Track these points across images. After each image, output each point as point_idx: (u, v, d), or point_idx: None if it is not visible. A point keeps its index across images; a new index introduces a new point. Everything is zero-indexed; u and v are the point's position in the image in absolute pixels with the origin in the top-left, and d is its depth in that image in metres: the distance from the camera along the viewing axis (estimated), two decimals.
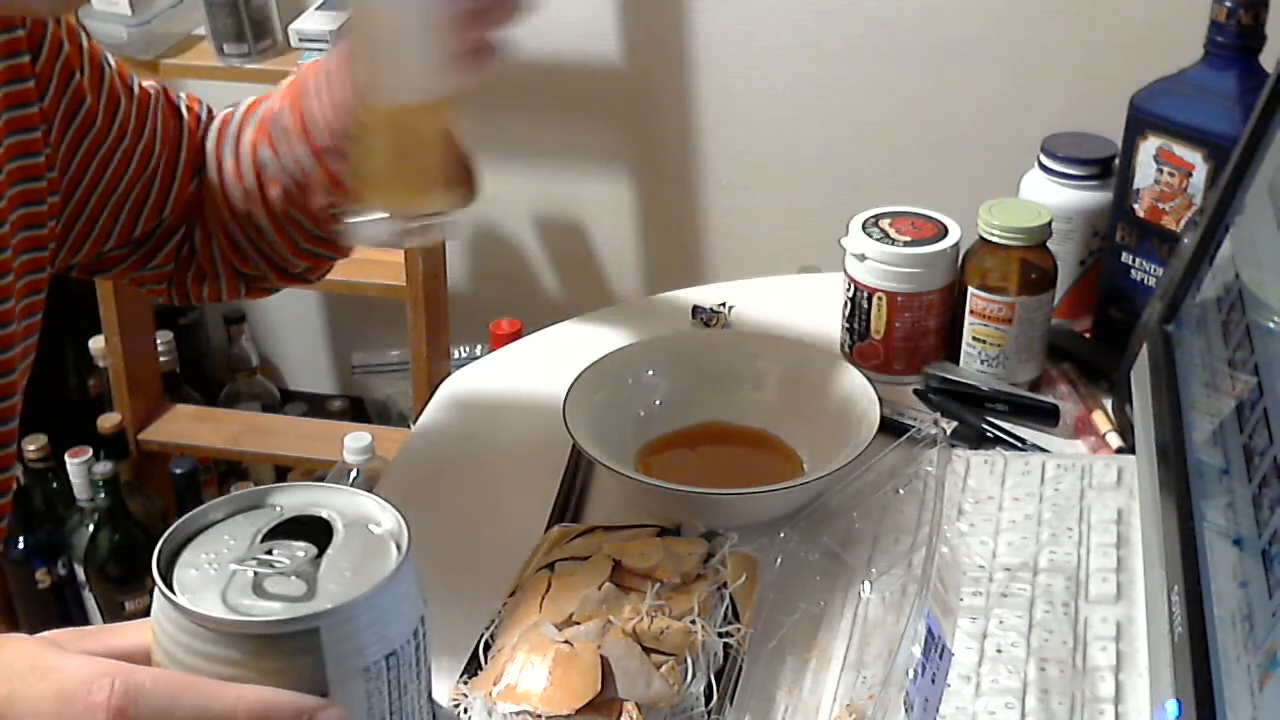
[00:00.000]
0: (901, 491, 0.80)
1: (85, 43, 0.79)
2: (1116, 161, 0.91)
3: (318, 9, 1.67)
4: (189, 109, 0.88)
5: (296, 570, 0.42)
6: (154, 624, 0.42)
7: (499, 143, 1.91)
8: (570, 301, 2.02)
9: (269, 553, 0.43)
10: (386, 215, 0.65)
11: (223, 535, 0.44)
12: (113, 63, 0.82)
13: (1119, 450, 0.86)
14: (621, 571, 0.68)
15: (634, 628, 0.64)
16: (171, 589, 0.41)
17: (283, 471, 2.02)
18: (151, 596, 0.42)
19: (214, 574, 0.42)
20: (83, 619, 1.80)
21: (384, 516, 0.45)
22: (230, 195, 0.84)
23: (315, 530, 0.44)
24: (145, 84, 0.85)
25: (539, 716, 0.60)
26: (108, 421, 1.71)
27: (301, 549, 0.43)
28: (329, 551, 0.43)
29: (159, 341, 1.89)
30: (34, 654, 0.42)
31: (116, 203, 0.82)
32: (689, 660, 0.64)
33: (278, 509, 0.45)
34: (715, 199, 1.88)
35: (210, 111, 0.91)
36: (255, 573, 0.42)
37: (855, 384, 0.86)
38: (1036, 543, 0.75)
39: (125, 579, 1.65)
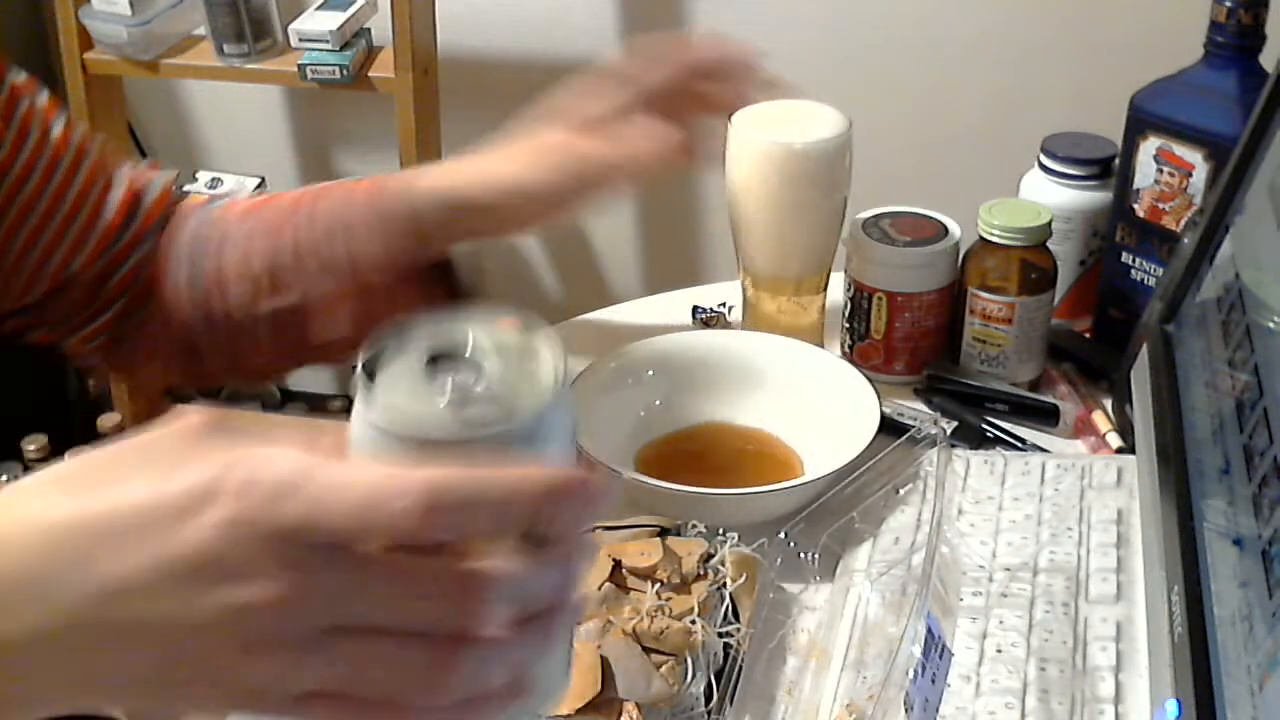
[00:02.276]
0: (901, 491, 0.80)
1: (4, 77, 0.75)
2: (1116, 161, 0.91)
3: (318, 9, 1.67)
4: (132, 185, 0.82)
5: (487, 393, 0.41)
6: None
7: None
8: (570, 301, 2.02)
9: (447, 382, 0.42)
10: None
11: (399, 373, 0.43)
12: (39, 104, 0.77)
13: (1119, 450, 0.86)
14: (621, 571, 0.68)
15: (634, 628, 0.64)
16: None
17: None
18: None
19: (419, 402, 0.41)
20: None
21: (512, 334, 0.44)
22: (223, 290, 0.79)
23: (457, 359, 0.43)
24: (79, 137, 0.79)
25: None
26: (108, 421, 1.71)
27: (472, 375, 0.42)
28: (491, 374, 0.42)
29: None
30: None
31: (18, 252, 0.76)
32: (689, 660, 0.64)
33: (421, 346, 0.43)
34: (715, 199, 1.88)
35: (174, 192, 0.85)
36: (453, 396, 0.41)
37: (855, 384, 0.86)
38: (1036, 543, 0.75)
39: None
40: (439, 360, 0.42)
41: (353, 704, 0.39)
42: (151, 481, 0.38)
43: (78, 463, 0.40)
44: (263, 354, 0.81)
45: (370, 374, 0.42)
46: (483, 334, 0.43)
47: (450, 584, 0.38)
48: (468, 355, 0.42)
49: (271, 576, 0.37)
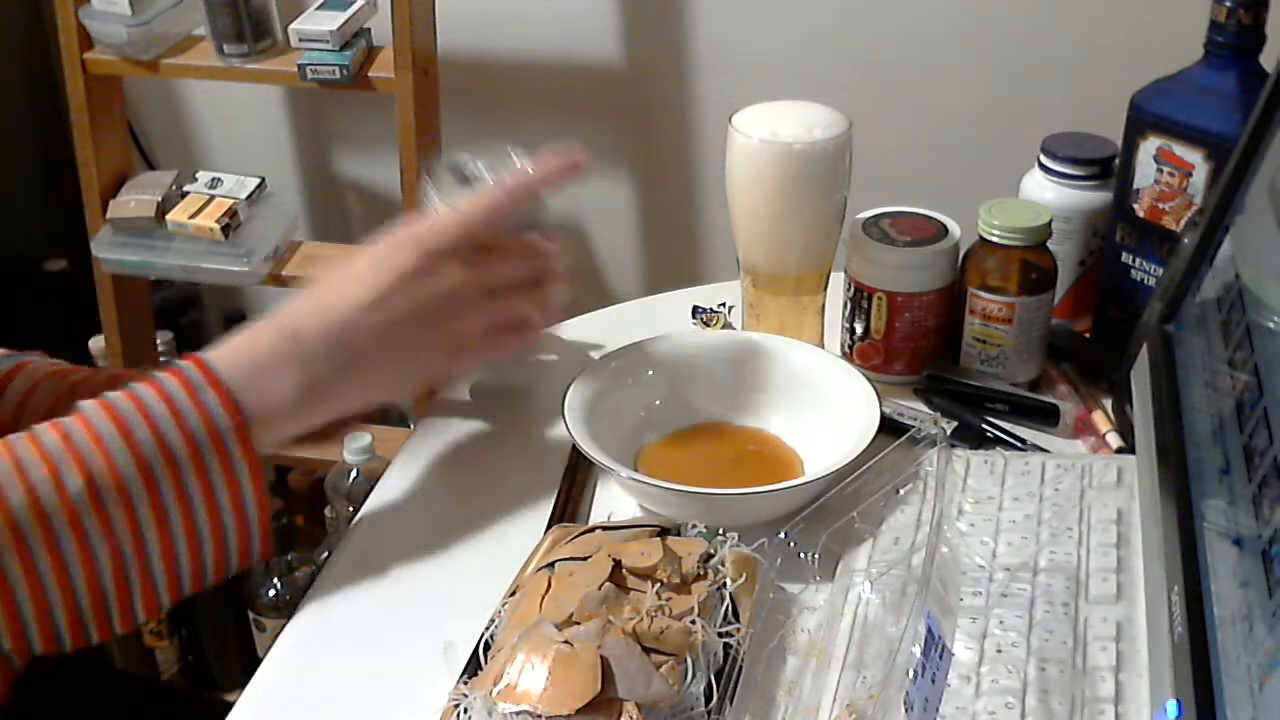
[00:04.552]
0: (901, 491, 0.80)
1: None
2: (1116, 161, 0.91)
3: (318, 9, 1.67)
4: None
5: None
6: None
7: (499, 143, 1.91)
8: (570, 301, 2.02)
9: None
10: None
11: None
12: None
13: (1119, 450, 0.86)
14: (621, 571, 0.68)
15: (634, 628, 0.64)
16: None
17: (283, 471, 2.02)
18: None
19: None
20: None
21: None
22: None
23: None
24: None
25: (539, 716, 0.60)
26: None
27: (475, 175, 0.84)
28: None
29: (159, 341, 1.89)
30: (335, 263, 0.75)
31: None
32: (689, 660, 0.64)
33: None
34: (715, 199, 1.88)
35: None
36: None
37: (855, 384, 0.86)
38: (1036, 543, 0.75)
39: None
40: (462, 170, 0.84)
41: (504, 328, 0.78)
42: (366, 258, 0.74)
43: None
44: None
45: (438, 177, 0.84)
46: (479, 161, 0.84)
47: (524, 251, 0.79)
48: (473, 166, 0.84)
49: (452, 271, 0.74)
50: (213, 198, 1.71)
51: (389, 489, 0.89)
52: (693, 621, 0.65)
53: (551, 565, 0.70)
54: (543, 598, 0.67)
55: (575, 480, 0.86)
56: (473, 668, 0.66)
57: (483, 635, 0.68)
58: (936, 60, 1.73)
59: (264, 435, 0.69)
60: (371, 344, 0.72)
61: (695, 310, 1.05)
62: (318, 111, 1.99)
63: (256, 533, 0.70)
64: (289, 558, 1.64)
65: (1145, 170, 0.88)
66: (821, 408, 0.87)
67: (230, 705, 0.71)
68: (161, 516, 0.66)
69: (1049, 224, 0.89)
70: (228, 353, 0.70)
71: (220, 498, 0.67)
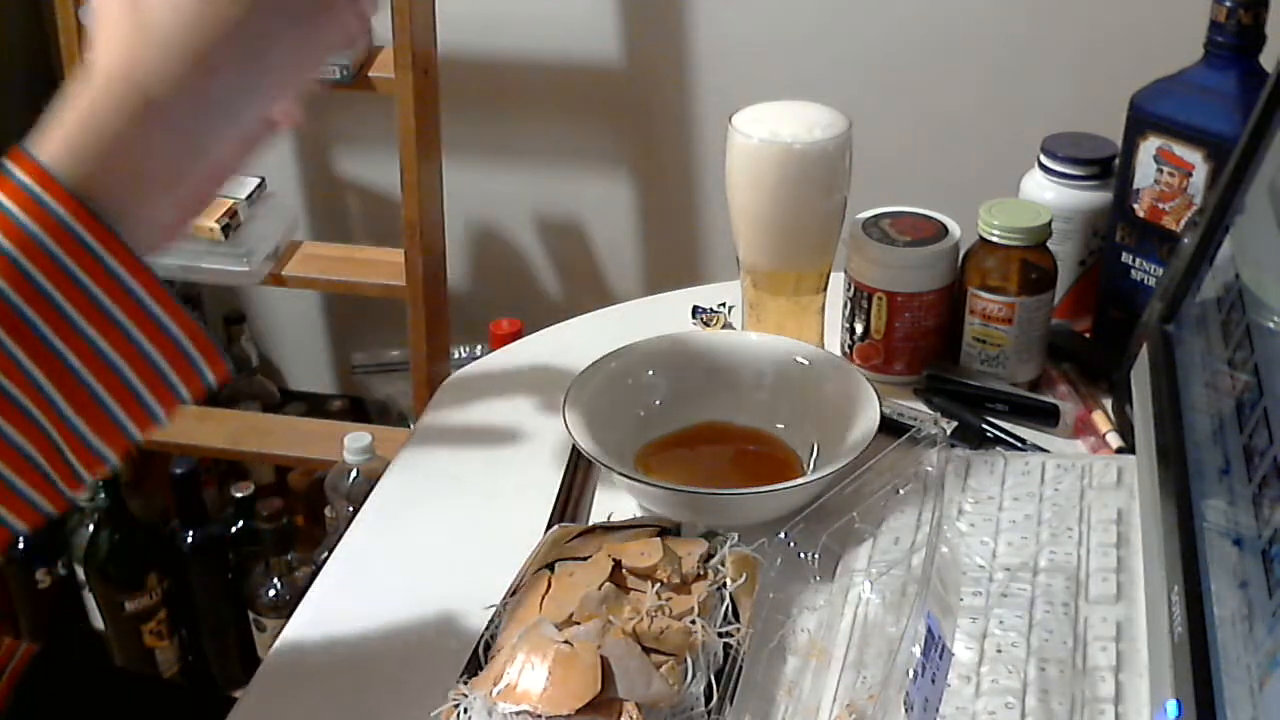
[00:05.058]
0: (901, 491, 0.80)
1: None
2: (1116, 161, 0.91)
3: None
4: None
5: None
6: None
7: (499, 143, 1.91)
8: (570, 301, 2.02)
9: None
10: None
11: None
12: None
13: (1119, 450, 0.86)
14: (621, 571, 0.68)
15: (634, 628, 0.64)
16: None
17: (283, 471, 2.02)
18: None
19: None
20: (83, 619, 1.80)
21: None
22: None
23: None
24: None
25: (539, 716, 0.60)
26: None
27: None
28: None
29: None
30: None
31: None
32: (689, 660, 0.64)
33: None
34: (715, 199, 1.88)
35: None
36: None
37: (855, 384, 0.86)
38: (1036, 543, 0.75)
39: (125, 579, 1.65)
40: None
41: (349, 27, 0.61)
42: None
43: None
44: None
45: None
46: None
47: None
48: None
49: None
50: None
51: (389, 489, 0.89)
52: (693, 621, 0.65)
53: (551, 565, 0.70)
54: (543, 598, 0.67)
55: (575, 480, 0.86)
56: (473, 668, 0.66)
57: (483, 635, 0.68)
58: (936, 60, 1.73)
59: (144, 229, 0.57)
60: (238, 86, 0.59)
61: (695, 310, 1.05)
62: (318, 111, 1.99)
63: (186, 344, 0.59)
64: (289, 558, 1.64)
65: (1145, 170, 0.88)
66: (821, 408, 0.87)
67: (231, 701, 0.72)
68: (54, 364, 0.56)
69: (1049, 224, 0.89)
70: (71, 148, 0.57)
71: (118, 319, 0.57)
